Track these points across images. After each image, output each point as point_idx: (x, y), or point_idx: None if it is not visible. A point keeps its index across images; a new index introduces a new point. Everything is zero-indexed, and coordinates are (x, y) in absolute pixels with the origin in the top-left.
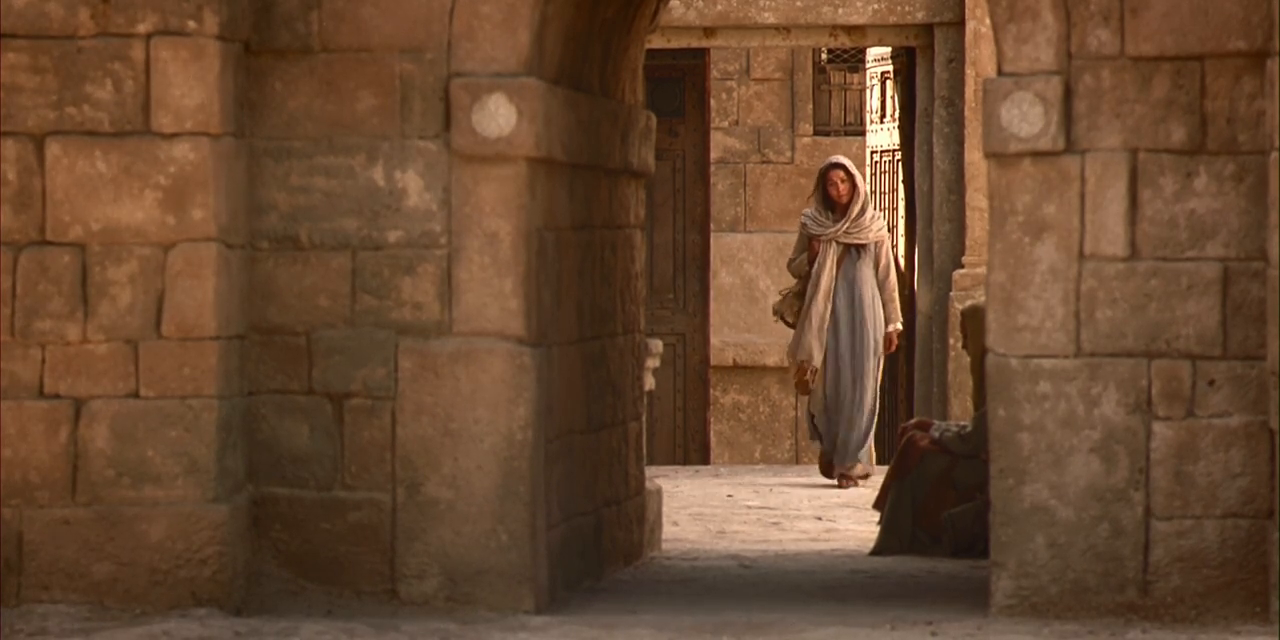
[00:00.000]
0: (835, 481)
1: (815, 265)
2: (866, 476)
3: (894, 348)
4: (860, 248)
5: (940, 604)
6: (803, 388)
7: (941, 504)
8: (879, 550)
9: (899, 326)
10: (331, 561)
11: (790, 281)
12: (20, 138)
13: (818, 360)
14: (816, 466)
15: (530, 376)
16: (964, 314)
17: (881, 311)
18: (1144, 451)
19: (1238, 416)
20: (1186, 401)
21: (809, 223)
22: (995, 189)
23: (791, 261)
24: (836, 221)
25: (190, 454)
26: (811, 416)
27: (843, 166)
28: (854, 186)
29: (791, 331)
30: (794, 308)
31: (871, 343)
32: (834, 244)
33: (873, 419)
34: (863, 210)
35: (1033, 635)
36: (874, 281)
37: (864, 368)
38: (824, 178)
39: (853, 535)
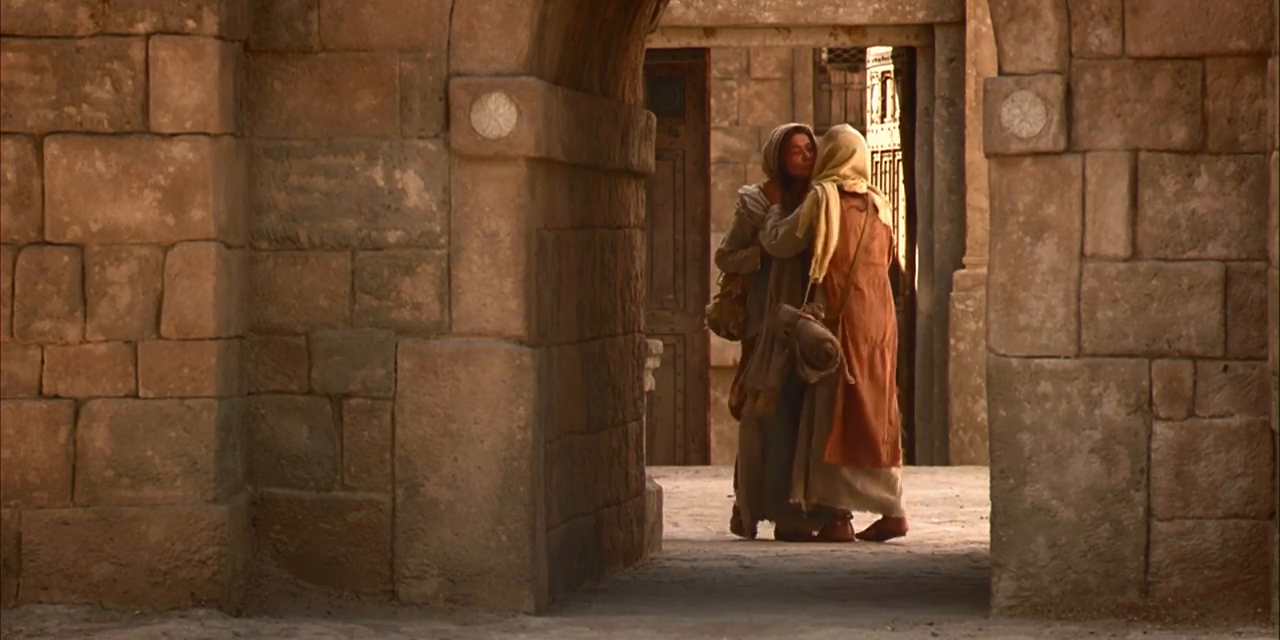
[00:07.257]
0: (741, 535)
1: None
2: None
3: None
4: None
5: (941, 604)
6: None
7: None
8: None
9: None
10: (331, 562)
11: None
12: (19, 137)
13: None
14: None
15: (530, 377)
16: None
17: None
18: (1145, 452)
19: (1239, 417)
20: (1188, 402)
21: (752, 204)
22: (996, 189)
23: (723, 254)
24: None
25: (190, 454)
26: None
27: (806, 131)
28: (815, 159)
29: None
30: (737, 316)
31: None
32: None
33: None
34: None
35: (1033, 636)
36: None
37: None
38: (783, 146)
39: None
